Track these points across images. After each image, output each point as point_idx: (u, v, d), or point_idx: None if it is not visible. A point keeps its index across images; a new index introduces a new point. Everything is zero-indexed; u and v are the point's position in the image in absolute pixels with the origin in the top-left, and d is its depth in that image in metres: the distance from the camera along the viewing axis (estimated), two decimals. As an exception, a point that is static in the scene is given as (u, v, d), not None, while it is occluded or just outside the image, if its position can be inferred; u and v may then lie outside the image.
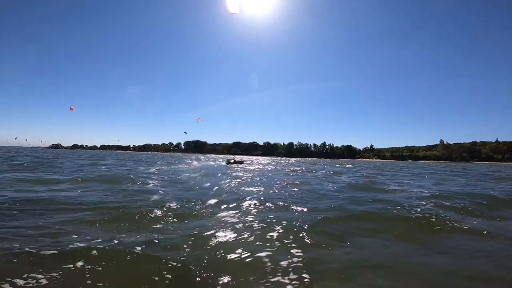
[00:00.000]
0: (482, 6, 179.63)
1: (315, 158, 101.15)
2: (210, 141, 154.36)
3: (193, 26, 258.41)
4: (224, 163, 25.47)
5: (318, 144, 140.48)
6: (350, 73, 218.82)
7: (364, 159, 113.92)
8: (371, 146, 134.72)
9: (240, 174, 13.82)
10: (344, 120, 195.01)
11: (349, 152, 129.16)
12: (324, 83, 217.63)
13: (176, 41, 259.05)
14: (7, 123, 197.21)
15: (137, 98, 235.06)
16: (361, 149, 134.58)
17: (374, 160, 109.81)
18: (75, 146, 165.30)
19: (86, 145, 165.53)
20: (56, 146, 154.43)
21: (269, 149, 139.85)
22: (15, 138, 79.82)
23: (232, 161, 26.04)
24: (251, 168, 21.14)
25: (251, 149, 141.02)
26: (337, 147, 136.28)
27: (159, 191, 7.16)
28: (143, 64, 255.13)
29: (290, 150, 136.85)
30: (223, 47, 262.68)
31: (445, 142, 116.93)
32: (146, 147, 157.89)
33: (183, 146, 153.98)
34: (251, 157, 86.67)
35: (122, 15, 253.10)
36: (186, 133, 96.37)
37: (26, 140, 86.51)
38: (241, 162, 27.42)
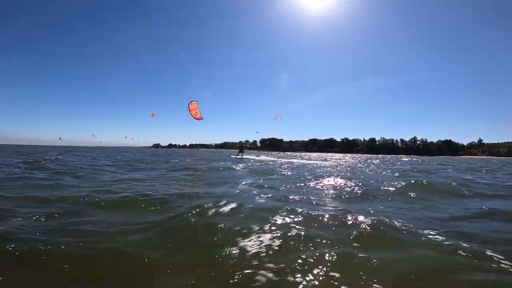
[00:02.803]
0: None
1: (403, 155, 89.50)
2: (286, 138, 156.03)
3: (264, 26, 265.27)
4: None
5: (407, 139, 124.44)
6: (446, 60, 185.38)
7: (469, 156, 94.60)
8: (479, 140, 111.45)
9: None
10: (440, 112, 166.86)
11: (448, 147, 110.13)
12: (413, 72, 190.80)
13: (251, 43, 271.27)
14: (115, 127, 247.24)
15: (211, 99, 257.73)
16: (465, 144, 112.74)
17: (485, 157, 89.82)
18: (170, 146, 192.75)
19: (178, 144, 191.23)
20: (157, 146, 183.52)
21: (347, 146, 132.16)
22: (125, 137, 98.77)
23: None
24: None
25: (328, 145, 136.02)
26: (431, 142, 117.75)
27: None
28: (215, 67, 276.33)
29: (371, 146, 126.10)
30: (302, 44, 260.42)
31: None
32: (225, 145, 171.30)
33: (258, 144, 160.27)
34: (328, 154, 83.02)
35: (192, 25, 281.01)
36: (257, 133, 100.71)
37: (132, 138, 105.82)
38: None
